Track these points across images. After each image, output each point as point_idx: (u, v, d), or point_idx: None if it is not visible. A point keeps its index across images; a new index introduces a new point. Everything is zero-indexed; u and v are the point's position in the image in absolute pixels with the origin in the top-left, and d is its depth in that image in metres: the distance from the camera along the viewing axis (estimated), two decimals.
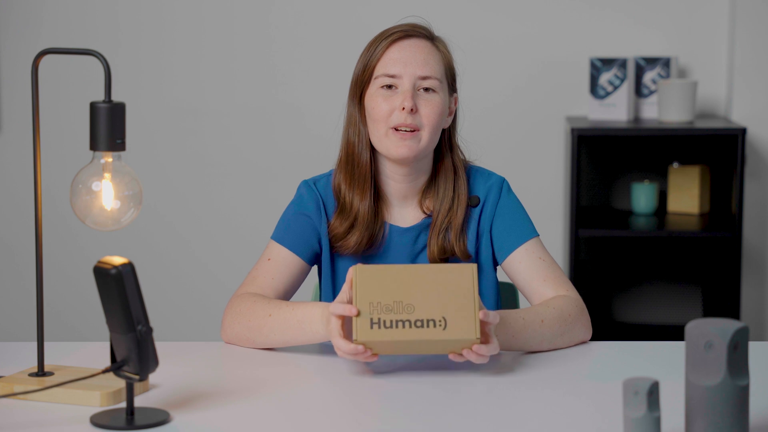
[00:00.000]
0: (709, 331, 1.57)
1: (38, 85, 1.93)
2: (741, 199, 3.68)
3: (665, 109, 3.84)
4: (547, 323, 2.15)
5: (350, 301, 1.99)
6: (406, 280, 1.97)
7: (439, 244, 2.30)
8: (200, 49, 4.17)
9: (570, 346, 2.20)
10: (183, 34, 4.17)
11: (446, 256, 2.30)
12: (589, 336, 2.24)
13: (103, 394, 1.85)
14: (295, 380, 2.02)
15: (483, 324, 1.98)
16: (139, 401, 1.87)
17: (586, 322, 2.23)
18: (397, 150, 2.25)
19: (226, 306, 2.25)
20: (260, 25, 4.15)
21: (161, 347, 2.05)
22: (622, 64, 3.90)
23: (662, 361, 2.12)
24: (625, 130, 3.79)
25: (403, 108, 2.23)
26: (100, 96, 2.15)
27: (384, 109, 2.25)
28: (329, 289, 2.33)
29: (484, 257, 2.33)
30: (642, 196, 3.93)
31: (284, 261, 2.29)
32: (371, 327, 1.95)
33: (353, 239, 2.29)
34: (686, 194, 3.94)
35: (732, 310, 3.72)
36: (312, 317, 2.11)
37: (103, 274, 1.73)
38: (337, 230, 2.30)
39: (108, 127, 1.87)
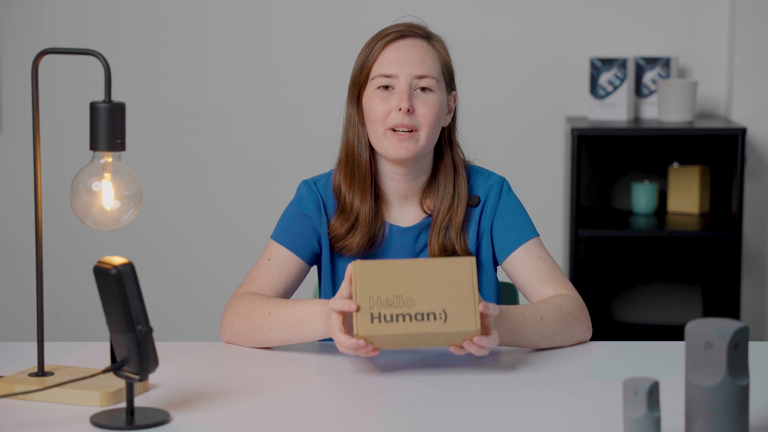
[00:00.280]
0: (709, 331, 1.57)
1: (38, 85, 1.93)
2: (741, 199, 3.68)
3: (665, 109, 3.84)
4: (546, 320, 2.16)
5: (350, 297, 1.99)
6: (405, 275, 1.98)
7: (440, 242, 2.30)
8: (200, 49, 4.17)
9: (569, 345, 2.20)
10: (183, 34, 4.17)
11: (447, 255, 2.30)
12: (589, 335, 2.24)
13: (103, 394, 1.85)
14: (295, 380, 2.02)
15: (483, 316, 1.98)
16: (139, 401, 1.87)
17: (586, 322, 2.23)
18: (396, 151, 2.25)
19: (226, 306, 2.25)
20: (260, 25, 4.15)
21: (161, 347, 2.05)
22: (622, 64, 3.90)
23: (662, 361, 2.12)
24: (625, 130, 3.79)
25: (400, 109, 2.23)
26: (100, 96, 2.15)
27: (381, 111, 2.25)
28: (329, 289, 2.33)
29: (485, 257, 2.33)
30: (642, 196, 3.93)
31: (284, 261, 2.29)
32: (372, 321, 1.95)
33: (354, 240, 2.29)
34: (686, 194, 3.94)
35: (732, 310, 3.72)
36: (312, 314, 2.11)
37: (103, 274, 1.73)
38: (338, 231, 2.30)
39: (108, 127, 1.87)
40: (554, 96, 4.09)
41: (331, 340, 2.16)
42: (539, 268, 2.28)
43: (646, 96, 3.98)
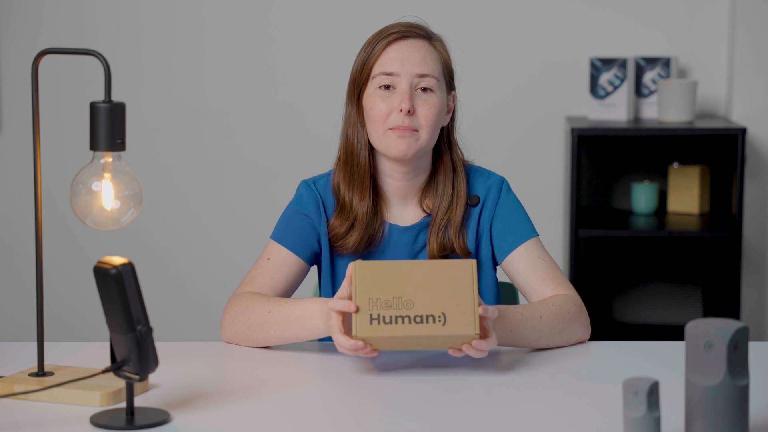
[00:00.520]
0: (709, 331, 1.57)
1: (38, 85, 1.93)
2: (741, 199, 3.68)
3: (665, 109, 3.84)
4: (545, 320, 2.16)
5: (350, 297, 1.99)
6: (405, 276, 1.98)
7: (439, 241, 2.30)
8: (200, 49, 4.17)
9: (568, 345, 2.20)
10: (183, 34, 4.17)
11: (446, 254, 2.30)
12: (588, 335, 2.24)
13: (103, 394, 1.85)
14: (295, 380, 2.02)
15: (482, 319, 1.98)
16: (139, 401, 1.87)
17: (585, 322, 2.23)
18: (397, 147, 2.25)
19: (226, 305, 2.25)
20: (260, 25, 4.15)
21: (161, 347, 2.05)
22: (622, 64, 3.90)
23: (662, 361, 2.12)
24: (625, 130, 3.79)
25: (401, 110, 2.23)
26: (100, 96, 2.15)
27: (382, 110, 2.25)
28: (329, 289, 2.33)
29: (484, 257, 2.33)
30: (642, 196, 3.93)
31: (283, 260, 2.29)
32: (371, 323, 1.95)
33: (353, 239, 2.29)
34: (686, 194, 3.94)
35: (732, 310, 3.72)
36: (311, 313, 2.11)
37: (103, 274, 1.73)
38: (337, 230, 2.30)
39: (108, 127, 1.87)
40: (554, 96, 4.09)
41: (330, 338, 2.16)
42: (538, 268, 2.28)
43: (646, 96, 3.98)
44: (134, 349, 1.73)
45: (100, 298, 1.76)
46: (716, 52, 4.03)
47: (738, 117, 3.93)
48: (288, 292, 2.30)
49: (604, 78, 3.92)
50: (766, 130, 3.95)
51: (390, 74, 2.26)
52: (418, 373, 2.04)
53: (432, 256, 2.30)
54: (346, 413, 1.86)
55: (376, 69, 2.27)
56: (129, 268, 1.72)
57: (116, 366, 1.76)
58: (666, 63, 3.94)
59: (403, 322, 1.96)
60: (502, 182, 2.35)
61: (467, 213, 2.33)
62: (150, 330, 1.74)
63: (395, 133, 2.25)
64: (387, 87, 2.27)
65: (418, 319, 1.96)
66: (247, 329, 2.19)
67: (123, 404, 1.86)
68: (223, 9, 4.15)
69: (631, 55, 4.00)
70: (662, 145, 4.03)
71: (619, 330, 4.02)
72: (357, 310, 1.96)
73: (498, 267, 2.36)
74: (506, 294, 2.61)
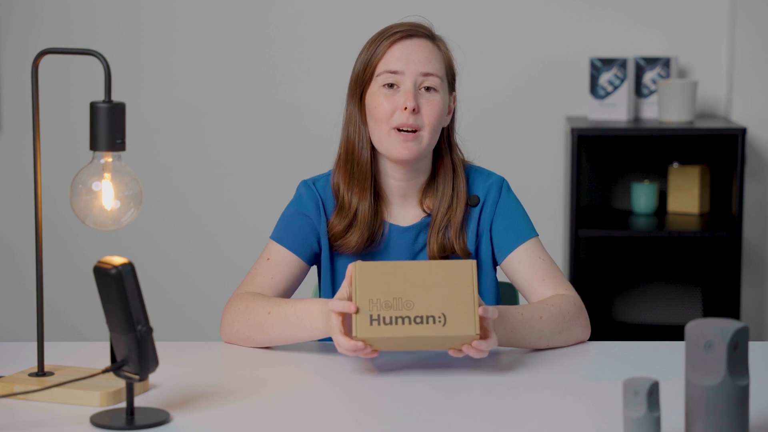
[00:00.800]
0: (709, 331, 1.57)
1: (38, 85, 1.93)
2: (741, 199, 3.68)
3: (665, 109, 3.84)
4: (545, 320, 2.16)
5: (350, 298, 1.99)
6: (405, 277, 1.98)
7: (439, 242, 2.30)
8: (200, 49, 4.17)
9: (568, 345, 2.20)
10: (183, 34, 4.17)
11: (446, 254, 2.30)
12: (588, 335, 2.24)
13: (103, 394, 1.85)
14: (295, 380, 2.02)
15: (482, 319, 1.98)
16: (139, 401, 1.87)
17: (585, 322, 2.23)
18: (399, 151, 2.25)
19: (226, 305, 2.25)
20: (260, 25, 4.15)
21: (161, 347, 2.05)
22: (622, 64, 3.90)
23: (662, 361, 2.12)
24: (625, 130, 3.79)
25: (405, 108, 2.23)
26: (100, 96, 2.15)
27: (386, 109, 2.25)
28: (329, 289, 2.33)
29: (484, 257, 2.33)
30: (642, 196, 3.93)
31: (283, 261, 2.29)
32: (371, 324, 1.95)
33: (353, 238, 2.29)
34: (686, 194, 3.94)
35: (732, 310, 3.72)
36: (311, 313, 2.11)
37: (103, 274, 1.73)
38: (336, 229, 2.30)
39: (108, 127, 1.87)
40: (554, 96, 4.09)
41: (330, 339, 2.16)
42: (538, 268, 2.28)
43: (646, 96, 3.98)
44: (134, 349, 1.73)
45: (100, 298, 1.76)
46: (716, 52, 4.03)
47: (738, 117, 3.93)
48: (288, 292, 2.30)
49: (604, 78, 3.92)
50: (766, 130, 3.95)
51: (394, 72, 2.26)
52: (418, 373, 2.04)
53: (432, 257, 2.30)
54: (346, 413, 1.86)
55: (381, 67, 2.27)
56: (129, 268, 1.72)
57: (116, 366, 1.76)
58: (666, 63, 3.94)
59: (403, 322, 1.96)
60: (502, 182, 2.35)
61: (467, 213, 2.33)
62: (150, 330, 1.74)
63: (399, 135, 2.25)
64: (391, 85, 2.27)
65: (418, 320, 1.96)
66: (247, 330, 2.19)
67: (123, 404, 1.86)
68: (223, 9, 4.15)
69: (631, 55, 4.00)
70: (662, 145, 4.03)
71: (619, 330, 4.02)
72: (357, 311, 1.96)
73: (498, 267, 2.36)
74: (506, 294, 2.61)
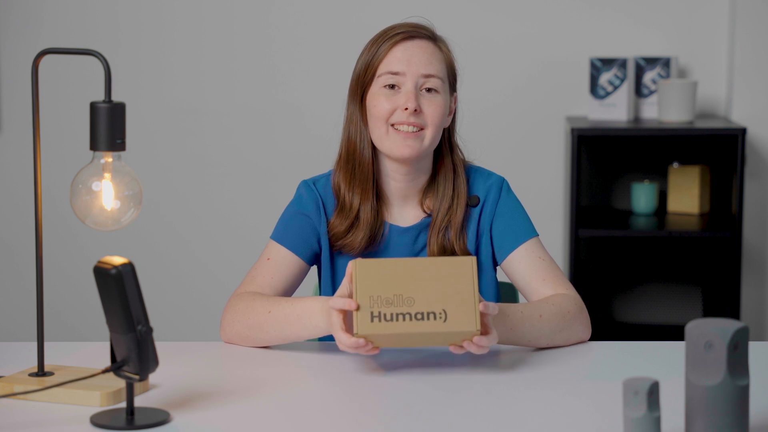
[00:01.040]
0: (709, 331, 1.57)
1: (38, 85, 1.93)
2: (741, 199, 3.68)
3: (665, 109, 3.84)
4: (545, 318, 2.16)
5: (350, 295, 1.99)
6: (405, 274, 1.98)
7: (439, 242, 2.30)
8: (200, 49, 4.17)
9: (568, 345, 2.20)
10: (183, 34, 4.17)
11: (446, 255, 2.30)
12: (588, 335, 2.24)
13: (103, 394, 1.85)
14: (295, 380, 2.02)
15: (482, 315, 1.98)
16: (139, 401, 1.87)
17: (585, 321, 2.23)
18: (400, 150, 2.25)
19: (225, 305, 2.25)
20: (260, 25, 4.15)
21: (161, 347, 2.04)
22: (622, 64, 3.90)
23: (662, 361, 2.12)
24: (625, 130, 3.79)
25: (406, 108, 2.23)
26: (100, 96, 2.15)
27: (386, 108, 2.25)
28: (329, 289, 2.33)
29: (484, 257, 2.33)
30: (642, 196, 3.93)
31: (283, 260, 2.29)
32: (372, 320, 1.95)
33: (354, 239, 2.29)
34: (686, 194, 3.94)
35: (732, 310, 3.72)
36: (312, 312, 2.11)
37: (103, 274, 1.73)
38: (337, 229, 2.30)
39: (108, 127, 1.87)
40: (554, 96, 4.09)
41: (331, 337, 2.16)
42: (538, 268, 2.28)
43: (646, 96, 3.98)
44: (134, 349, 1.73)
45: (100, 298, 1.76)
46: (716, 52, 4.03)
47: (738, 117, 3.93)
48: (288, 292, 2.30)
49: (604, 78, 3.92)
50: (766, 130, 3.95)
51: (396, 74, 2.26)
52: (418, 373, 2.04)
53: (433, 257, 2.30)
54: (346, 413, 1.86)
55: (382, 68, 2.27)
56: (129, 268, 1.72)
57: (116, 366, 1.76)
58: (666, 63, 3.94)
59: (404, 319, 1.96)
60: (502, 182, 2.35)
61: (467, 214, 2.33)
62: (150, 330, 1.74)
63: (400, 134, 2.25)
64: (392, 86, 2.27)
65: (419, 316, 1.96)
66: (247, 329, 2.19)
67: (123, 404, 1.86)
68: (223, 9, 4.15)
69: (631, 55, 4.00)
70: (662, 145, 4.03)
71: (619, 330, 4.02)
72: (358, 308, 1.96)
73: (498, 267, 2.36)
74: (506, 294, 2.61)
